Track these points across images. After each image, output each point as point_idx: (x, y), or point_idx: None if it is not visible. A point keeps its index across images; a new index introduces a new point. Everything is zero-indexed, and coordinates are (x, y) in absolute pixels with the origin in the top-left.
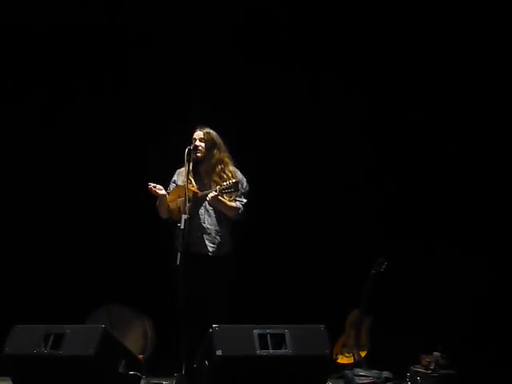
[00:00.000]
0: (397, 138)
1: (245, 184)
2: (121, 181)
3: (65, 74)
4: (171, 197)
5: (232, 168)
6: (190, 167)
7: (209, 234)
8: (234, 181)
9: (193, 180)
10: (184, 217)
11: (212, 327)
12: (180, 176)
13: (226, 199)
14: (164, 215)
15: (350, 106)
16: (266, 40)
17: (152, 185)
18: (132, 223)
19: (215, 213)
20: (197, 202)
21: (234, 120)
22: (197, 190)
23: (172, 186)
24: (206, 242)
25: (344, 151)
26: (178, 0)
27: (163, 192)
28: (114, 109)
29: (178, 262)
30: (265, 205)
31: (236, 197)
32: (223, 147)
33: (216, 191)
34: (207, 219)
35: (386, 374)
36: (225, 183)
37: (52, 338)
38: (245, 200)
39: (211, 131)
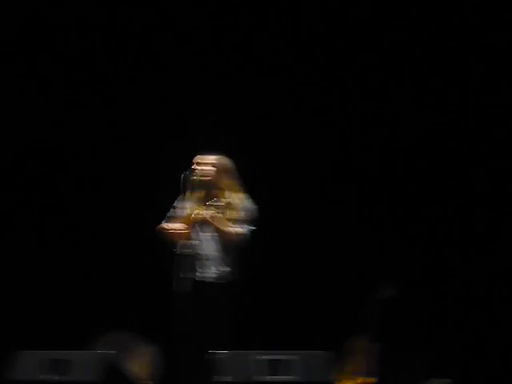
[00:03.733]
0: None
1: (251, 211)
2: (124, 208)
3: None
4: (182, 222)
5: (240, 195)
6: (192, 192)
7: (211, 260)
8: (227, 201)
9: (198, 205)
10: (191, 242)
11: (212, 353)
12: (181, 201)
13: (228, 223)
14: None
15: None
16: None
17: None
18: (137, 249)
19: (220, 239)
20: (201, 226)
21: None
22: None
23: (171, 211)
24: (208, 268)
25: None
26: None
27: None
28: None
29: (179, 288)
30: (269, 230)
31: (241, 222)
32: (233, 174)
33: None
34: (212, 245)
35: None
36: (219, 203)
37: (58, 363)
38: (250, 226)
39: (221, 157)
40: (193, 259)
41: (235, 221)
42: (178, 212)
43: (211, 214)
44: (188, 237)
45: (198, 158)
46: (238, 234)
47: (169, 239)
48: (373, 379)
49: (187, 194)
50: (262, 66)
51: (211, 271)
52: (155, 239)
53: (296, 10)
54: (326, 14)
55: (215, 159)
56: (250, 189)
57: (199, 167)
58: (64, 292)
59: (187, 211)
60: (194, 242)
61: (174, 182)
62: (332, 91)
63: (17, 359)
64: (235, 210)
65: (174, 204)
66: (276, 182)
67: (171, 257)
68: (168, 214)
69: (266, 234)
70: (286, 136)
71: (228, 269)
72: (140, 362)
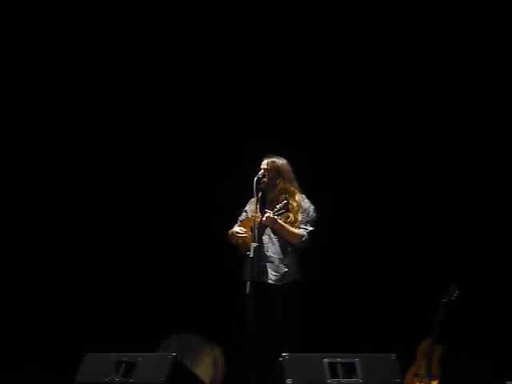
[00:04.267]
0: None
1: (311, 212)
2: (192, 210)
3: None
4: (242, 226)
5: (298, 197)
6: (259, 196)
7: (272, 262)
8: (285, 202)
9: (258, 209)
10: (253, 245)
11: (282, 356)
12: (251, 205)
13: (286, 225)
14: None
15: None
16: None
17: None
18: (203, 251)
19: (279, 241)
20: (260, 229)
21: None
22: (254, 219)
23: (244, 214)
24: (269, 270)
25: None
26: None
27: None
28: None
29: (247, 291)
30: (334, 231)
31: (300, 224)
32: (290, 176)
33: (271, 214)
34: (271, 248)
35: None
36: (278, 205)
37: (123, 366)
38: (310, 228)
39: (276, 160)
40: (255, 262)
41: (295, 223)
42: (246, 215)
43: (270, 218)
44: (249, 240)
45: (262, 161)
46: (298, 236)
47: (235, 242)
48: (436, 382)
49: (254, 197)
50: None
51: (272, 274)
52: (227, 243)
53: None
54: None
55: (271, 161)
56: (310, 189)
57: (261, 170)
58: (133, 295)
59: (249, 215)
60: (254, 245)
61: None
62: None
63: (84, 362)
64: (295, 211)
65: (246, 208)
66: (339, 181)
67: (240, 260)
68: (239, 218)
69: (330, 235)
70: (346, 134)
71: (289, 271)
72: (205, 363)
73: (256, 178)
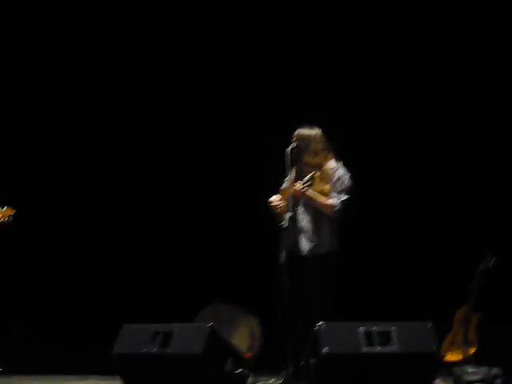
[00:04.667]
0: None
1: (346, 181)
2: (228, 183)
3: None
4: (282, 196)
5: (333, 164)
6: (292, 167)
7: (305, 233)
8: (312, 173)
9: (292, 178)
10: (287, 215)
11: (318, 325)
12: (291, 175)
13: (317, 195)
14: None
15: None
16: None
17: (273, 203)
18: (240, 222)
19: (312, 212)
20: (294, 200)
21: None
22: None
23: (284, 184)
24: (303, 241)
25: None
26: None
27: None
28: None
29: (281, 261)
30: (370, 201)
31: (333, 193)
32: (317, 147)
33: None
34: (304, 218)
35: (495, 370)
36: (307, 177)
37: (160, 336)
38: (344, 197)
39: (305, 131)
40: (290, 232)
41: (328, 192)
42: (283, 186)
43: (300, 189)
44: (284, 210)
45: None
46: (330, 206)
47: (273, 212)
48: (473, 349)
49: (288, 168)
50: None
51: (306, 244)
52: (268, 212)
53: None
54: None
55: (299, 133)
56: (346, 158)
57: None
58: (170, 265)
59: (284, 185)
60: (288, 215)
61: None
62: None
63: (122, 333)
64: (327, 181)
65: (287, 177)
66: (375, 151)
67: (278, 229)
68: (281, 188)
69: (365, 204)
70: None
71: (323, 241)
72: (242, 333)
73: (289, 149)
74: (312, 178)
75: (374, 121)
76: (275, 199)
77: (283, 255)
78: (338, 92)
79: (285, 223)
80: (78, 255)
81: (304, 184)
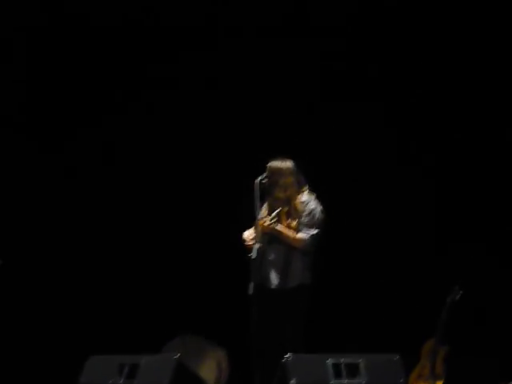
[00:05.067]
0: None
1: (317, 214)
2: (200, 212)
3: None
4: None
5: (304, 198)
6: (265, 201)
7: (276, 266)
8: (276, 211)
9: (265, 212)
10: (255, 247)
11: (286, 357)
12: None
13: (286, 230)
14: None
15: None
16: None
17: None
18: (210, 253)
19: (283, 245)
20: (264, 234)
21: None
22: (261, 222)
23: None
24: (274, 274)
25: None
26: None
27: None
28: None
29: (250, 292)
30: (337, 232)
31: (303, 227)
32: (291, 178)
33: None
34: (274, 252)
35: None
36: (274, 213)
37: (127, 368)
38: (314, 231)
39: (275, 163)
40: (258, 264)
41: (296, 227)
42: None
43: (268, 224)
44: (255, 243)
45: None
46: (299, 241)
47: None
48: (440, 382)
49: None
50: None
51: (276, 278)
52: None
53: None
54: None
55: (272, 165)
56: (317, 191)
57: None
58: (137, 296)
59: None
60: (257, 246)
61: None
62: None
63: (88, 364)
64: (297, 215)
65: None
66: (343, 183)
67: (246, 261)
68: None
69: (335, 237)
70: (350, 134)
71: (294, 275)
72: (209, 365)
73: (258, 180)
74: (278, 214)
75: (348, 152)
76: (248, 235)
77: (251, 287)
78: (310, 123)
79: (253, 254)
80: (45, 284)
81: (271, 220)
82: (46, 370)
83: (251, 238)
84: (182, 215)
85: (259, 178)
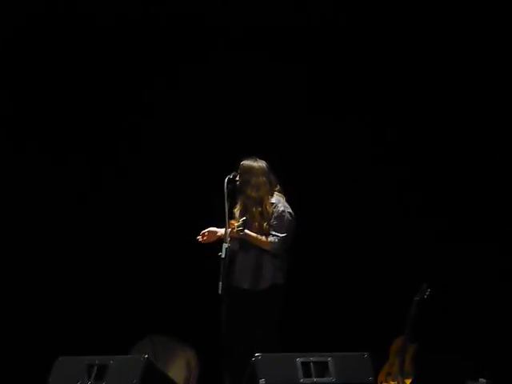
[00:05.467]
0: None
1: (286, 217)
2: (171, 211)
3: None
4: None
5: (274, 200)
6: (230, 197)
7: (246, 267)
8: (242, 220)
9: (237, 210)
10: (224, 246)
11: (255, 356)
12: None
13: (254, 234)
14: None
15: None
16: None
17: (200, 238)
18: (177, 252)
19: (253, 247)
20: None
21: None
22: (233, 224)
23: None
24: (244, 275)
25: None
26: None
27: (215, 237)
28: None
29: (219, 291)
30: (306, 231)
31: (272, 230)
32: (262, 178)
33: (235, 229)
34: (245, 254)
35: None
36: (240, 221)
37: (95, 369)
38: (282, 234)
39: (247, 162)
40: (231, 266)
41: (266, 229)
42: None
43: (233, 232)
44: (208, 241)
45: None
46: (268, 244)
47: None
48: (409, 380)
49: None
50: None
51: (246, 279)
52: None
53: None
54: None
55: (243, 164)
56: (289, 191)
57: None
58: (105, 297)
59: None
60: (226, 246)
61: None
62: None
63: (56, 365)
64: (267, 217)
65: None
66: (314, 183)
67: (215, 260)
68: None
69: (304, 238)
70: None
71: (265, 276)
72: (178, 365)
73: (226, 179)
74: (244, 223)
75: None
76: (205, 231)
77: (221, 286)
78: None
79: (222, 254)
80: (11, 283)
81: (238, 227)
82: (14, 370)
83: (203, 238)
84: (151, 213)
85: (228, 177)
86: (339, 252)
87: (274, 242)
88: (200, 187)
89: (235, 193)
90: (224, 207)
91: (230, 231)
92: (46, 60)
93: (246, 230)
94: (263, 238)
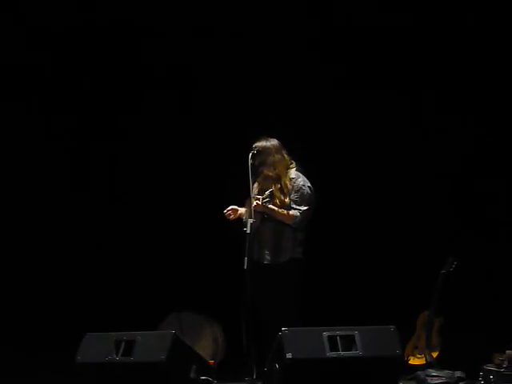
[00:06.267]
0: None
1: (306, 191)
2: (194, 187)
3: None
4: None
5: (292, 174)
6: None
7: (267, 242)
8: (269, 191)
9: (256, 190)
10: (249, 221)
11: (281, 331)
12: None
13: (277, 208)
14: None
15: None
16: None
17: (226, 212)
18: (204, 228)
19: (273, 222)
20: (257, 212)
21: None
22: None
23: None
24: (264, 250)
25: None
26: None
27: (237, 214)
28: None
29: (245, 267)
30: (332, 205)
31: (293, 204)
32: (278, 156)
33: (259, 201)
34: (265, 228)
35: (458, 373)
36: (267, 193)
37: (123, 344)
38: (304, 208)
39: (260, 143)
40: (251, 239)
41: (289, 204)
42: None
43: (258, 205)
44: (237, 218)
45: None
46: (290, 217)
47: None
48: (436, 353)
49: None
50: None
51: (267, 253)
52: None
53: None
54: None
55: (257, 145)
56: (306, 168)
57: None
58: (132, 273)
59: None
60: (251, 221)
61: None
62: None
63: (84, 341)
64: (287, 192)
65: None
66: (335, 158)
67: (240, 236)
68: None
69: (327, 211)
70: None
71: (284, 250)
72: (205, 340)
73: (250, 154)
74: (271, 195)
75: (338, 124)
76: (229, 209)
77: (246, 261)
78: (300, 96)
79: (247, 229)
80: (38, 262)
81: (264, 199)
82: (43, 346)
83: (230, 213)
84: (176, 193)
85: (252, 152)
86: (365, 226)
87: (296, 216)
88: (216, 167)
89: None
90: (243, 185)
91: (256, 205)
92: None
93: (270, 205)
94: (286, 211)
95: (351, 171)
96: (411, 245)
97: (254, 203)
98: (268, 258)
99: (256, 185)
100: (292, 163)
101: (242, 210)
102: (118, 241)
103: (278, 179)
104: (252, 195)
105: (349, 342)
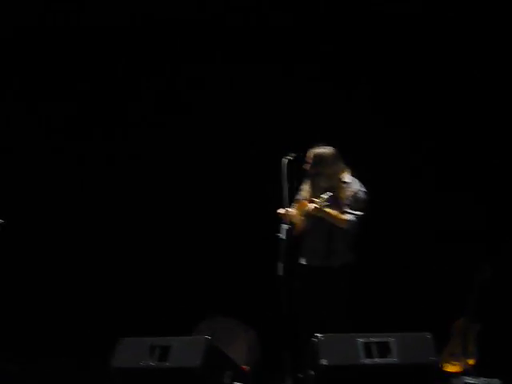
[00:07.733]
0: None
1: (360, 196)
2: (232, 192)
3: None
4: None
5: (347, 179)
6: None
7: (319, 246)
8: (328, 195)
9: (306, 194)
10: (284, 227)
11: (316, 337)
12: (304, 185)
13: (333, 211)
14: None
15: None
16: None
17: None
18: (239, 232)
19: (326, 225)
20: (308, 214)
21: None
22: (305, 203)
23: (301, 194)
24: (315, 254)
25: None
26: None
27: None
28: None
29: (279, 273)
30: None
31: (348, 208)
32: (335, 167)
33: (317, 204)
34: (318, 232)
35: (495, 381)
36: (323, 196)
37: (158, 350)
38: (358, 212)
39: (318, 151)
40: (304, 245)
41: (343, 207)
42: (299, 196)
43: (316, 208)
44: (300, 222)
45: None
46: (344, 221)
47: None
48: (472, 360)
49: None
50: None
51: (319, 258)
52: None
53: None
54: None
55: (313, 152)
56: (360, 175)
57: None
58: (168, 278)
59: (302, 197)
60: (286, 227)
61: None
62: None
63: (119, 347)
64: (342, 197)
65: (301, 186)
66: (388, 167)
67: (275, 242)
68: (296, 197)
69: (374, 218)
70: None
71: (337, 254)
72: (239, 346)
73: (286, 161)
74: (329, 199)
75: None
76: (284, 210)
77: (281, 267)
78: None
79: (282, 235)
80: (73, 267)
81: (322, 204)
82: (78, 352)
83: (287, 213)
84: (213, 196)
85: (287, 159)
86: (402, 232)
87: (352, 220)
88: (251, 170)
89: (293, 175)
90: (277, 189)
91: (314, 208)
92: None
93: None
94: (340, 215)
95: (392, 181)
96: (448, 251)
97: (313, 206)
98: (319, 261)
99: (307, 189)
100: (346, 168)
101: (293, 212)
102: (155, 245)
103: (332, 188)
104: (287, 200)
105: (384, 349)
